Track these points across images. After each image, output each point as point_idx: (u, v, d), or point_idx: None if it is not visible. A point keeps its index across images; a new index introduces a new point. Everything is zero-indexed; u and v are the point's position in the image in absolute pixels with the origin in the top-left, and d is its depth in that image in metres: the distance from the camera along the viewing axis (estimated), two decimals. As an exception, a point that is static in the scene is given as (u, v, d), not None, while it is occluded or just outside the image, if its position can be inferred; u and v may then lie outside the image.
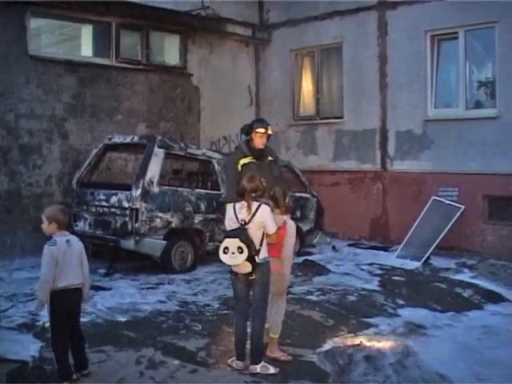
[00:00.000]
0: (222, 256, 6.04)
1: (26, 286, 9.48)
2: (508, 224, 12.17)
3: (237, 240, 6.00)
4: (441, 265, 11.41)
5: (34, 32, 12.14)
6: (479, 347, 7.16)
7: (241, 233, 6.06)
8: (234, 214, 6.18)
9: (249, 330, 6.38)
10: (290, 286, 9.50)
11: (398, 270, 11.01)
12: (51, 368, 6.04)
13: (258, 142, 8.24)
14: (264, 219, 6.17)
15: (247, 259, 6.00)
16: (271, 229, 6.18)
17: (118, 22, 13.10)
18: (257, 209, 6.16)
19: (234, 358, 6.36)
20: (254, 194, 6.18)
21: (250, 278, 6.17)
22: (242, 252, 5.98)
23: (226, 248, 6.01)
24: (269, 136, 8.36)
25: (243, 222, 6.12)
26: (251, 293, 6.36)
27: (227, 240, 6.04)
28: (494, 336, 7.58)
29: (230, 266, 6.17)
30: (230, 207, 6.30)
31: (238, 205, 6.20)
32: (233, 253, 5.99)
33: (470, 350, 7.04)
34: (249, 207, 6.14)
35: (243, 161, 8.25)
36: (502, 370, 6.49)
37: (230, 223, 6.22)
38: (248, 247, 5.99)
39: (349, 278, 10.43)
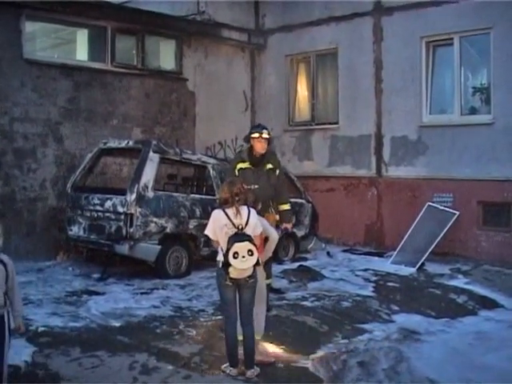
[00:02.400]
0: (232, 261, 6.00)
1: (20, 291, 9.42)
2: (502, 230, 12.18)
3: (247, 243, 6.05)
4: (435, 271, 11.41)
5: (29, 35, 12.13)
6: (470, 353, 7.20)
7: (248, 236, 6.12)
8: (229, 219, 6.17)
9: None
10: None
11: (392, 276, 10.99)
12: (44, 373, 6.03)
13: (257, 147, 8.22)
14: (256, 222, 6.28)
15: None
16: (260, 230, 6.34)
17: (113, 26, 13.08)
18: (249, 212, 6.24)
19: (228, 364, 6.35)
20: (237, 198, 6.22)
21: (251, 281, 6.21)
22: (252, 255, 6.04)
23: (236, 253, 6.00)
24: (268, 141, 8.32)
25: (241, 227, 6.15)
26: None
27: (237, 245, 6.01)
28: (485, 342, 7.61)
29: (227, 272, 6.13)
30: (219, 213, 6.25)
31: (229, 210, 6.19)
32: (243, 256, 6.01)
33: (461, 356, 7.07)
34: (238, 212, 6.17)
35: (240, 165, 8.25)
36: (490, 374, 6.54)
37: (225, 229, 6.17)
38: (256, 250, 6.09)
39: (343, 284, 10.41)
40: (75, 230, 11.13)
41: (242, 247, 6.01)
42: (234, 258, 6.00)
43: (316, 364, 6.66)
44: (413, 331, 7.90)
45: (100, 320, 7.99)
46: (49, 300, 8.91)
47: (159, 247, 10.49)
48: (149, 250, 10.42)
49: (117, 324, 7.84)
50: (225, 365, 6.38)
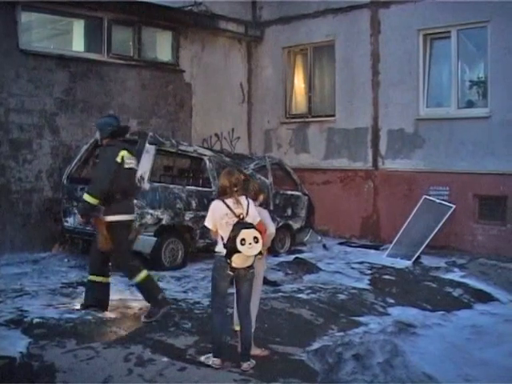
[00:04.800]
0: (240, 248, 5.99)
1: (15, 282, 9.43)
2: (498, 224, 12.21)
3: (253, 230, 6.08)
4: (431, 264, 11.44)
5: (25, 26, 12.04)
6: (468, 347, 7.20)
7: (252, 224, 6.16)
8: (230, 209, 6.17)
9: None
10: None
11: (388, 269, 11.01)
12: (39, 364, 6.02)
13: None
14: (255, 212, 6.32)
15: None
16: (258, 219, 6.34)
17: (110, 17, 13.03)
18: (248, 203, 6.28)
19: (210, 355, 6.31)
20: (235, 189, 6.24)
21: (251, 271, 6.25)
22: (257, 242, 6.06)
23: (243, 239, 6.00)
24: (100, 131, 8.04)
25: (242, 216, 6.17)
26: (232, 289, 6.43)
27: (244, 231, 6.02)
28: (482, 336, 7.61)
29: (228, 261, 6.13)
30: (218, 203, 6.26)
31: (229, 200, 6.21)
32: (250, 243, 6.02)
33: (458, 350, 7.07)
34: (238, 202, 6.20)
35: None
36: (489, 370, 6.53)
37: (225, 219, 6.17)
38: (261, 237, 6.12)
39: (339, 277, 10.42)
40: (71, 222, 11.10)
41: (249, 234, 6.02)
42: (242, 244, 6.00)
43: (311, 356, 6.67)
44: (408, 324, 7.90)
45: (95, 311, 7.97)
46: (44, 291, 8.89)
47: (155, 239, 10.48)
48: (144, 241, 10.39)
49: (112, 316, 7.83)
50: (205, 355, 6.34)
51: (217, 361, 6.26)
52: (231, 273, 6.20)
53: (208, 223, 6.37)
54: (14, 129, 11.60)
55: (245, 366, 6.25)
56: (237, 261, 6.10)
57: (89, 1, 12.34)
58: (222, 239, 6.20)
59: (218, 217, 6.23)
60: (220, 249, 6.24)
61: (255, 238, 6.04)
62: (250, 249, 6.03)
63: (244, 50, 16.08)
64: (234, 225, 6.10)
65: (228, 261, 6.11)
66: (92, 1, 12.40)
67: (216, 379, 6.03)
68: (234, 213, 6.17)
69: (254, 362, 6.32)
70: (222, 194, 6.29)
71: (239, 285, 6.31)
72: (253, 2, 16.14)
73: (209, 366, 6.25)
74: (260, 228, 6.38)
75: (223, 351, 6.34)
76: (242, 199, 6.27)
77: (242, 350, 6.36)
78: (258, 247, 6.08)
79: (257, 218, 6.33)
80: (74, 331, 7.10)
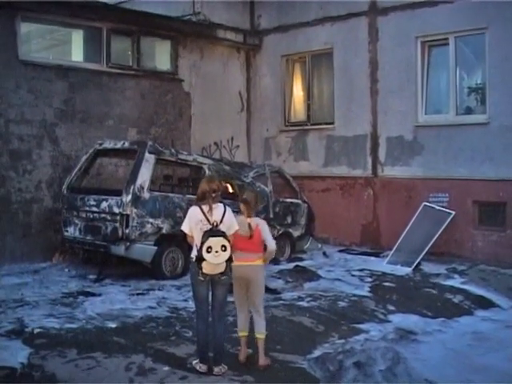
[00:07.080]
0: (206, 255, 6.06)
1: (16, 292, 9.43)
2: (498, 229, 12.20)
3: (221, 238, 6.12)
4: (431, 270, 11.43)
5: (25, 37, 12.10)
6: (469, 353, 7.20)
7: (223, 232, 6.19)
8: (204, 215, 6.21)
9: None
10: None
11: (388, 276, 11.01)
12: (40, 375, 6.01)
13: None
14: (231, 220, 6.35)
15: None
16: (235, 229, 6.37)
17: (108, 27, 13.06)
18: (224, 210, 6.30)
19: (198, 360, 6.39)
20: (213, 195, 6.27)
21: (223, 277, 6.28)
22: (225, 250, 6.11)
23: (210, 247, 6.06)
24: None
25: (215, 223, 6.21)
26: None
27: (211, 239, 6.08)
28: (483, 342, 7.62)
29: (201, 268, 6.16)
30: (195, 209, 6.31)
31: (205, 207, 6.24)
32: (216, 251, 6.07)
33: (460, 357, 7.07)
34: (211, 208, 6.22)
35: None
36: (491, 376, 6.54)
37: (200, 225, 6.22)
38: (230, 246, 6.16)
39: (339, 284, 10.41)
40: (71, 231, 11.11)
41: (215, 242, 6.07)
42: (208, 252, 6.06)
43: (312, 364, 6.66)
44: (409, 331, 7.90)
45: (96, 321, 7.97)
46: (45, 301, 8.89)
47: (155, 248, 10.49)
48: (145, 250, 10.41)
49: (113, 325, 7.82)
50: (195, 361, 6.42)
51: (203, 366, 6.32)
52: (202, 278, 6.23)
53: (185, 228, 6.41)
54: (13, 139, 11.63)
55: (216, 370, 6.30)
56: (207, 267, 6.15)
57: (88, 6, 12.39)
58: (196, 245, 6.23)
59: (194, 222, 6.29)
60: (194, 254, 6.29)
61: (223, 246, 6.09)
62: (216, 257, 6.08)
63: (243, 58, 16.11)
64: (205, 232, 6.15)
65: (199, 266, 6.15)
66: (91, 6, 12.45)
67: (217, 388, 6.04)
68: (208, 220, 6.21)
69: (225, 366, 6.35)
70: (201, 199, 6.32)
71: (214, 288, 6.38)
72: (251, 11, 16.18)
73: (213, 374, 6.27)
74: (236, 235, 6.39)
75: (207, 356, 6.37)
76: (219, 207, 6.32)
77: (214, 355, 6.39)
78: (226, 255, 6.12)
79: (233, 226, 6.35)
80: (74, 341, 7.10)
